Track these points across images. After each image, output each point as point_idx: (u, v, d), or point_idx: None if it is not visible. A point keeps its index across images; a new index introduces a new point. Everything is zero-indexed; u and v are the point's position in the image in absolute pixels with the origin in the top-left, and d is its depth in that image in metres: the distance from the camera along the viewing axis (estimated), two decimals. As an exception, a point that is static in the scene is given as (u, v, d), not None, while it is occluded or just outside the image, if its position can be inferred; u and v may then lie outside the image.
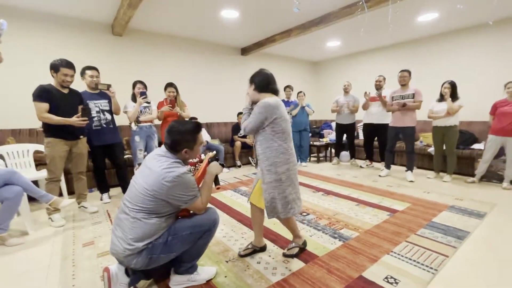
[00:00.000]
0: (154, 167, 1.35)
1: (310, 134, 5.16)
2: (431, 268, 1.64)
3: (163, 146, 1.47)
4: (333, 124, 5.47)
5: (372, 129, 4.37)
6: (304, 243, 1.86)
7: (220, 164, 1.59)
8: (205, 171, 1.58)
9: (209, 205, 1.52)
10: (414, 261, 1.72)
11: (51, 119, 2.32)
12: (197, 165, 1.65)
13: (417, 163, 4.43)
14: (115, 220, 1.41)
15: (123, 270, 1.39)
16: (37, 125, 3.22)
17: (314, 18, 3.96)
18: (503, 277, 1.55)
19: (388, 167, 4.01)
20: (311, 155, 5.59)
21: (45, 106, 2.30)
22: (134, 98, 3.28)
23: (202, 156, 1.70)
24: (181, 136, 1.41)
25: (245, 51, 5.63)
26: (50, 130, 2.40)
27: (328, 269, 1.64)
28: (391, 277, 1.55)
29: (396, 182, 3.67)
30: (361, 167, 4.67)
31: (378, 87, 4.27)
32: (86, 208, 2.73)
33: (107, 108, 2.90)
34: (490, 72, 4.23)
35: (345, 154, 5.05)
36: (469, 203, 2.77)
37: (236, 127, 4.94)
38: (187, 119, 3.74)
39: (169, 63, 4.72)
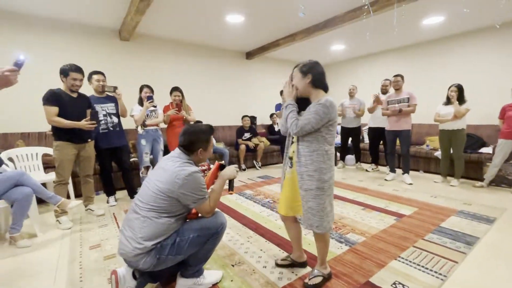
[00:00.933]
0: (167, 166, 1.39)
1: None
2: (440, 274, 1.61)
3: (177, 148, 1.50)
4: (338, 128, 5.46)
5: (377, 133, 4.34)
6: (330, 274, 1.57)
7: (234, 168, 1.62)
8: (213, 177, 1.60)
9: (216, 209, 1.53)
10: (423, 266, 1.69)
11: (61, 122, 2.37)
12: (205, 172, 1.67)
13: (423, 167, 4.38)
14: (124, 221, 1.42)
15: (130, 273, 1.40)
16: (46, 128, 3.28)
17: (318, 22, 3.98)
18: (515, 284, 1.52)
19: (393, 170, 4.00)
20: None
21: (55, 109, 2.35)
22: (141, 102, 3.32)
23: (211, 166, 1.73)
24: (196, 136, 1.46)
25: (249, 55, 5.67)
26: (58, 133, 2.45)
27: (335, 274, 1.62)
28: (399, 283, 1.53)
29: (402, 186, 3.63)
30: (366, 170, 4.64)
31: (385, 91, 4.25)
32: (93, 210, 2.75)
33: (114, 111, 2.94)
34: (497, 75, 4.18)
35: (350, 157, 5.02)
36: (478, 208, 2.72)
37: (240, 131, 4.96)
38: (192, 122, 3.78)
39: (175, 67, 4.77)
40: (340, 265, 1.72)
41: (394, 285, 1.51)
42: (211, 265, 1.76)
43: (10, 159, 2.94)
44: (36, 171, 3.09)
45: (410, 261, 1.76)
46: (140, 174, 3.36)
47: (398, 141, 3.85)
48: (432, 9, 3.55)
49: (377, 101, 4.10)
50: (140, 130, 3.28)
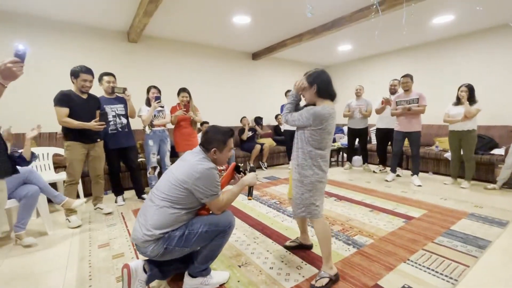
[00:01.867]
0: (188, 158, 1.47)
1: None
2: (451, 278, 1.58)
3: (198, 145, 1.57)
4: (345, 129, 5.41)
5: (385, 134, 4.28)
6: (337, 276, 1.57)
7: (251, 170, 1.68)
8: (229, 176, 1.66)
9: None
10: (432, 270, 1.66)
11: (71, 123, 2.41)
12: (222, 172, 1.70)
13: (433, 168, 4.30)
14: (140, 209, 1.48)
15: (141, 267, 1.44)
16: (57, 129, 3.35)
17: (325, 23, 3.95)
18: (529, 290, 1.48)
19: (394, 171, 3.99)
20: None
21: (65, 110, 2.40)
22: (148, 103, 3.36)
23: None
24: (213, 134, 1.51)
25: (256, 56, 5.67)
26: (69, 134, 2.50)
27: (342, 276, 1.61)
28: (409, 287, 1.51)
29: (410, 188, 3.57)
30: (374, 172, 4.58)
31: (393, 91, 4.20)
32: (102, 209, 2.80)
33: (123, 112, 2.99)
34: (510, 74, 4.07)
35: (357, 158, 4.97)
36: (489, 210, 2.66)
37: (241, 131, 4.99)
38: (199, 123, 3.80)
39: (182, 68, 4.81)
40: (347, 267, 1.70)
41: (403, 289, 1.49)
42: (217, 265, 1.76)
43: (22, 159, 3.01)
44: (47, 170, 3.16)
45: (420, 264, 1.73)
46: (148, 174, 3.40)
47: (405, 142, 3.80)
48: (442, 7, 3.49)
49: (386, 102, 4.06)
50: (147, 130, 3.31)
